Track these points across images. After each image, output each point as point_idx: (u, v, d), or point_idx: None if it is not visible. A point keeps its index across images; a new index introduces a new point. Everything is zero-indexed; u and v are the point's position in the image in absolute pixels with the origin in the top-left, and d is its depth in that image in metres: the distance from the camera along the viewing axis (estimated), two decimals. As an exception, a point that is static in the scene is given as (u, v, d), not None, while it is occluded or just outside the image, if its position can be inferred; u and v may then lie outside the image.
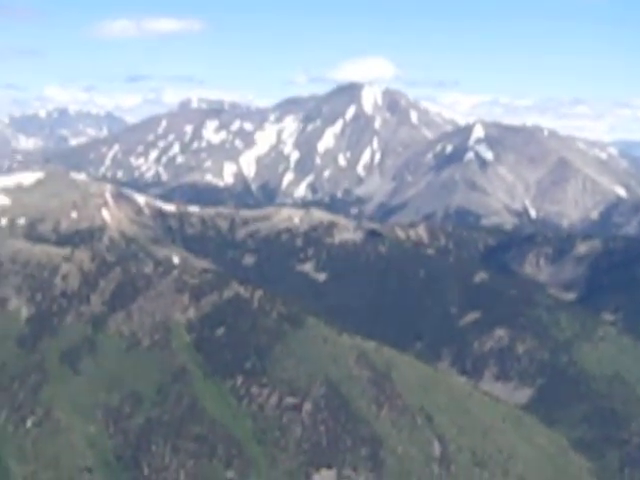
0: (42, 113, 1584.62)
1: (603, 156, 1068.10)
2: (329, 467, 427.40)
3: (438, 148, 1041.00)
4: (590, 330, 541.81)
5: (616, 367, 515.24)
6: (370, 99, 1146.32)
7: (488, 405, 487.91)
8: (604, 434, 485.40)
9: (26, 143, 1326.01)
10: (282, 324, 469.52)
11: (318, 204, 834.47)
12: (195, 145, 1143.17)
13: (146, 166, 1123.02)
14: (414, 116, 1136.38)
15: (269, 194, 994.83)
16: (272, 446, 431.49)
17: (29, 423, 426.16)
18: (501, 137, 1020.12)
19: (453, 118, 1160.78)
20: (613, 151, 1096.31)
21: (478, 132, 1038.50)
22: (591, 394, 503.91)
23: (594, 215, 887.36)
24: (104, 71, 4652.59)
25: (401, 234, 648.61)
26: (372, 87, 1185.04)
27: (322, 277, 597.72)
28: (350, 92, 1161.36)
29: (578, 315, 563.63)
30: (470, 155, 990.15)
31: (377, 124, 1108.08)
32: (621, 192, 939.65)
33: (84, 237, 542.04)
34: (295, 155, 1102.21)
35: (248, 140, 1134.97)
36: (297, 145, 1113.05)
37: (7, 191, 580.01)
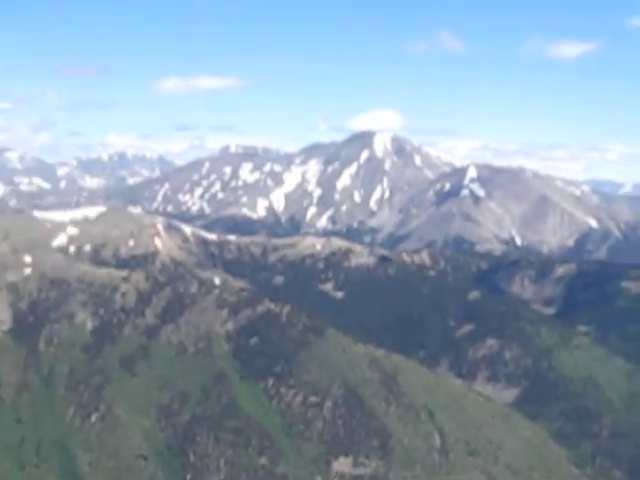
0: (105, 157, 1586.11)
1: (577, 193, 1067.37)
2: (346, 455, 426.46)
3: (438, 186, 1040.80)
4: (567, 340, 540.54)
5: (589, 371, 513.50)
6: (380, 145, 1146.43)
7: (480, 403, 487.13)
8: (579, 428, 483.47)
9: (91, 182, 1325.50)
10: (306, 334, 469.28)
11: (337, 233, 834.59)
12: (233, 184, 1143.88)
13: (192, 201, 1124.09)
14: (418, 159, 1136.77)
15: (295, 225, 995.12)
16: (298, 438, 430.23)
17: (93, 418, 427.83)
18: (491, 177, 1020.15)
19: (450, 161, 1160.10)
20: (586, 188, 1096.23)
21: (472, 173, 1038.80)
22: (568, 394, 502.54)
23: (570, 243, 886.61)
24: (157, 121, 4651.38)
25: (407, 259, 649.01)
26: (382, 135, 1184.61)
27: (340, 295, 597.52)
28: (363, 139, 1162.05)
29: (556, 327, 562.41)
30: (465, 192, 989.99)
31: (387, 166, 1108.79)
32: (593, 223, 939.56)
33: (139, 261, 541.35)
34: (317, 192, 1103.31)
35: (278, 179, 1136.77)
36: (319, 184, 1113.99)
37: (75, 223, 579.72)
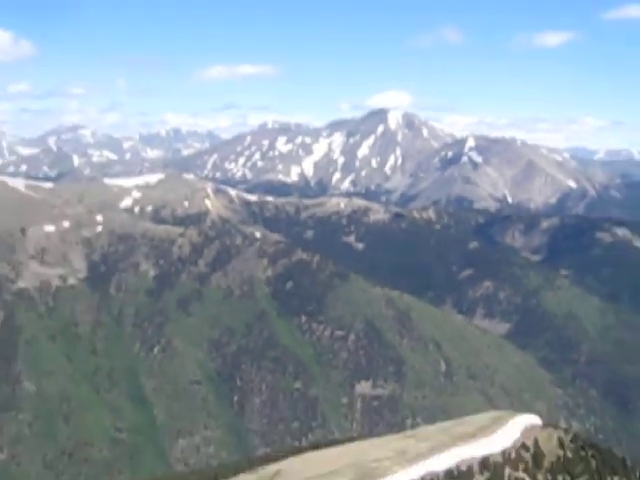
0: (162, 132, 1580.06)
1: (559, 159, 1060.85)
2: (367, 379, 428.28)
3: (442, 154, 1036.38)
4: (551, 281, 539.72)
5: (569, 308, 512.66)
6: (394, 120, 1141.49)
7: (479, 335, 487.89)
8: (561, 355, 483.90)
9: (151, 154, 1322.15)
10: (333, 279, 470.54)
11: (357, 194, 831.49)
12: (270, 154, 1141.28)
13: (236, 169, 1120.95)
14: (425, 132, 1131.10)
15: (323, 188, 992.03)
16: (326, 365, 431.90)
17: (155, 350, 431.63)
18: (487, 146, 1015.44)
19: (452, 133, 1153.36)
20: (566, 155, 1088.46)
21: (470, 143, 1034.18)
22: (551, 327, 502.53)
23: (553, 200, 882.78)
24: (206, 102, 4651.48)
25: (416, 215, 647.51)
26: (395, 112, 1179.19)
27: (360, 246, 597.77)
28: (379, 115, 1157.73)
29: (542, 271, 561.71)
30: (465, 159, 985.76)
31: (399, 138, 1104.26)
32: (572, 184, 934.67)
33: (193, 219, 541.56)
34: (341, 160, 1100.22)
35: (307, 150, 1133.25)
36: (342, 153, 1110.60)
37: (138, 188, 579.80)
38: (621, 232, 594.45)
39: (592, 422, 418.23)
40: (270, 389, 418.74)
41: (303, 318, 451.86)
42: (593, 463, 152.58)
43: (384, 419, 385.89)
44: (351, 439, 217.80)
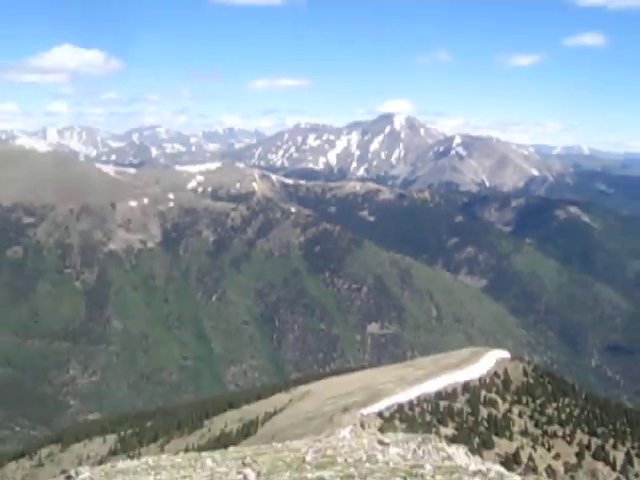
0: (220, 130, 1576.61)
1: (526, 153, 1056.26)
2: (375, 322, 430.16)
3: (435, 149, 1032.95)
4: (519, 248, 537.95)
5: (532, 268, 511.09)
6: (398, 122, 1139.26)
7: (463, 288, 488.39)
8: (526, 305, 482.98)
9: (211, 147, 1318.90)
10: (350, 244, 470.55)
11: (370, 179, 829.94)
12: (303, 147, 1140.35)
13: (276, 159, 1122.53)
14: (422, 131, 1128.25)
15: (343, 174, 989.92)
16: (344, 311, 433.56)
17: (213, 298, 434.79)
18: (470, 143, 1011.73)
19: (443, 132, 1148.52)
20: (531, 150, 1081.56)
21: (457, 140, 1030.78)
22: (520, 283, 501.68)
23: (520, 185, 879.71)
24: (253, 107, 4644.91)
25: (415, 196, 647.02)
26: (399, 116, 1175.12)
27: (372, 219, 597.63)
28: (387, 118, 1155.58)
29: (512, 240, 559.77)
30: (453, 152, 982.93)
31: (402, 136, 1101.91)
32: (535, 172, 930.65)
33: (243, 198, 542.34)
34: (357, 153, 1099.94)
35: (331, 145, 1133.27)
36: (358, 147, 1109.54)
37: (201, 173, 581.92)
38: (573, 210, 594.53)
39: (549, 356, 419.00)
40: (301, 328, 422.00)
41: (327, 274, 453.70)
42: (549, 388, 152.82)
43: (389, 352, 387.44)
44: (363, 367, 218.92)
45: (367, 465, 26.81)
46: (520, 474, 22.99)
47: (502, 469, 25.70)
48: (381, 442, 37.28)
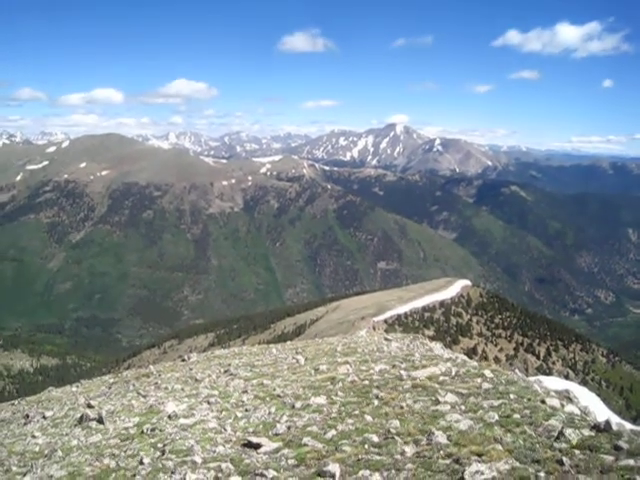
0: (281, 134, 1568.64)
1: (483, 150, 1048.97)
2: (383, 260, 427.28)
3: (423, 147, 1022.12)
4: (478, 212, 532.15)
5: (487, 226, 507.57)
6: (399, 129, 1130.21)
7: (441, 239, 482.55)
8: (482, 249, 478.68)
9: (275, 146, 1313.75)
10: (367, 210, 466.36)
11: (379, 167, 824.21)
12: (336, 146, 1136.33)
13: (318, 153, 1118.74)
14: (414, 135, 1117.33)
15: (362, 163, 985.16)
16: (363, 253, 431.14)
17: (277, 244, 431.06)
18: (447, 143, 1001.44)
19: (429, 136, 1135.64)
20: (487, 148, 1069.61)
21: (437, 141, 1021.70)
22: (478, 235, 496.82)
23: (479, 171, 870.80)
24: (304, 119, 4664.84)
25: (410, 178, 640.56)
26: (399, 125, 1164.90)
27: (382, 193, 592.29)
28: (392, 126, 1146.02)
29: (473, 207, 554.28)
30: (435, 149, 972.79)
31: (401, 138, 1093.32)
32: (489, 163, 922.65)
33: (297, 179, 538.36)
34: (371, 149, 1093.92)
35: (355, 144, 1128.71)
36: (372, 145, 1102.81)
37: (270, 162, 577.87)
38: (514, 188, 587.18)
39: (496, 284, 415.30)
40: (334, 264, 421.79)
41: (351, 229, 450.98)
42: (497, 305, 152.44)
43: (392, 281, 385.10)
44: (374, 291, 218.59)
45: (377, 354, 27.09)
46: (477, 361, 23.31)
47: (465, 357, 25.86)
48: (386, 339, 37.61)
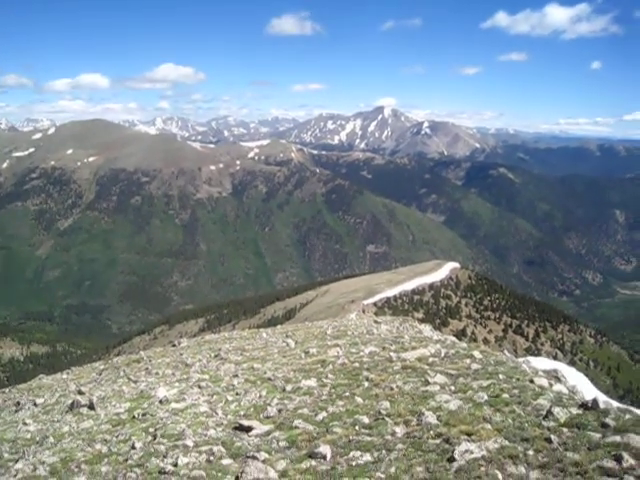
0: (269, 118, 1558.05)
1: (470, 132, 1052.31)
2: (372, 243, 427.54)
3: (411, 130, 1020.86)
4: (466, 195, 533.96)
5: (475, 208, 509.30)
6: (387, 112, 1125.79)
7: (432, 223, 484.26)
8: (471, 232, 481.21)
9: (263, 130, 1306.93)
10: (355, 193, 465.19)
11: (368, 150, 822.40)
12: (324, 129, 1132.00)
13: (306, 137, 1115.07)
14: (402, 118, 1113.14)
15: (351, 147, 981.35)
16: (352, 236, 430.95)
17: (266, 229, 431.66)
18: (435, 126, 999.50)
19: (417, 119, 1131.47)
20: (475, 131, 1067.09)
21: (426, 124, 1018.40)
22: (467, 218, 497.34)
23: (467, 153, 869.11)
24: (292, 103, 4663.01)
25: (398, 161, 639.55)
26: (387, 107, 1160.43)
27: (370, 176, 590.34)
28: (380, 109, 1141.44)
29: (462, 189, 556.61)
30: (423, 132, 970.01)
31: (389, 121, 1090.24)
32: (477, 145, 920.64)
33: (285, 162, 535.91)
34: (359, 132, 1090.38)
35: (343, 127, 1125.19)
36: (360, 129, 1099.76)
37: (257, 147, 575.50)
38: (502, 170, 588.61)
39: (485, 266, 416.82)
40: (324, 248, 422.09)
41: (340, 213, 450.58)
42: (485, 287, 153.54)
43: (381, 264, 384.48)
44: (364, 274, 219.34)
45: (367, 336, 27.26)
46: (466, 342, 23.56)
47: (454, 339, 26.07)
48: (376, 321, 37.87)
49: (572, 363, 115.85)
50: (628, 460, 9.05)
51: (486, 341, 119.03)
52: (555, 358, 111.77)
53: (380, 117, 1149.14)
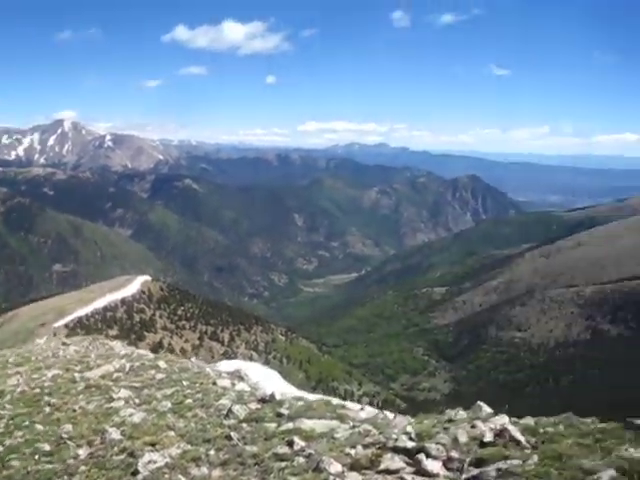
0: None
1: (154, 144, 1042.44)
2: (59, 263, 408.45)
3: (93, 143, 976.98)
4: (152, 207, 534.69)
5: (163, 220, 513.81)
6: (67, 125, 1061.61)
7: (119, 237, 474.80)
8: (159, 244, 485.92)
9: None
10: (38, 211, 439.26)
11: (49, 166, 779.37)
12: (0, 144, 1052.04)
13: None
14: (84, 131, 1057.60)
15: (30, 162, 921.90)
16: (36, 256, 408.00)
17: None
18: (118, 139, 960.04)
19: (99, 132, 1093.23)
20: (158, 143, 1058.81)
21: (108, 137, 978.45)
22: (154, 230, 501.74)
23: (152, 166, 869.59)
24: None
25: (81, 175, 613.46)
26: (67, 121, 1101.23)
27: (52, 193, 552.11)
28: (59, 123, 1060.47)
29: (148, 202, 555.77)
30: (106, 145, 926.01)
31: (70, 135, 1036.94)
32: (161, 157, 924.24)
33: None
34: (39, 147, 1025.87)
35: (20, 142, 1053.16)
36: (40, 143, 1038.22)
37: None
38: (187, 181, 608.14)
39: (176, 277, 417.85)
40: (6, 272, 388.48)
41: (22, 233, 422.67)
42: (178, 297, 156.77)
43: (70, 283, 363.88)
44: (52, 295, 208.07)
45: (52, 359, 26.29)
46: (162, 354, 24.21)
47: (142, 351, 26.07)
48: (64, 343, 36.73)
49: (267, 362, 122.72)
50: (299, 443, 9.64)
51: (183, 351, 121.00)
52: (251, 359, 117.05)
53: (60, 130, 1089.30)
